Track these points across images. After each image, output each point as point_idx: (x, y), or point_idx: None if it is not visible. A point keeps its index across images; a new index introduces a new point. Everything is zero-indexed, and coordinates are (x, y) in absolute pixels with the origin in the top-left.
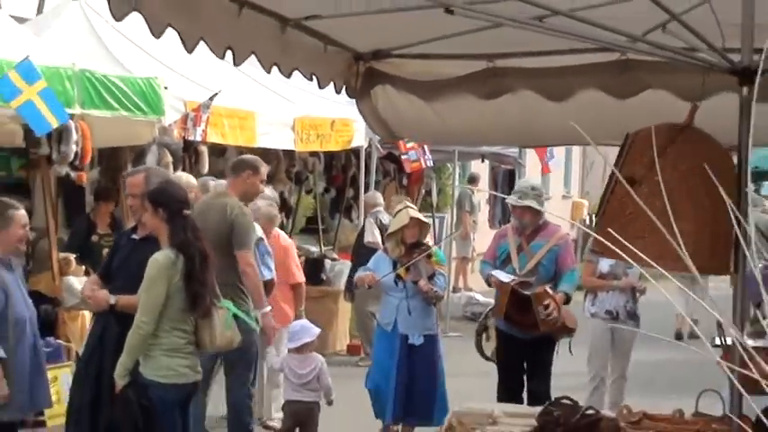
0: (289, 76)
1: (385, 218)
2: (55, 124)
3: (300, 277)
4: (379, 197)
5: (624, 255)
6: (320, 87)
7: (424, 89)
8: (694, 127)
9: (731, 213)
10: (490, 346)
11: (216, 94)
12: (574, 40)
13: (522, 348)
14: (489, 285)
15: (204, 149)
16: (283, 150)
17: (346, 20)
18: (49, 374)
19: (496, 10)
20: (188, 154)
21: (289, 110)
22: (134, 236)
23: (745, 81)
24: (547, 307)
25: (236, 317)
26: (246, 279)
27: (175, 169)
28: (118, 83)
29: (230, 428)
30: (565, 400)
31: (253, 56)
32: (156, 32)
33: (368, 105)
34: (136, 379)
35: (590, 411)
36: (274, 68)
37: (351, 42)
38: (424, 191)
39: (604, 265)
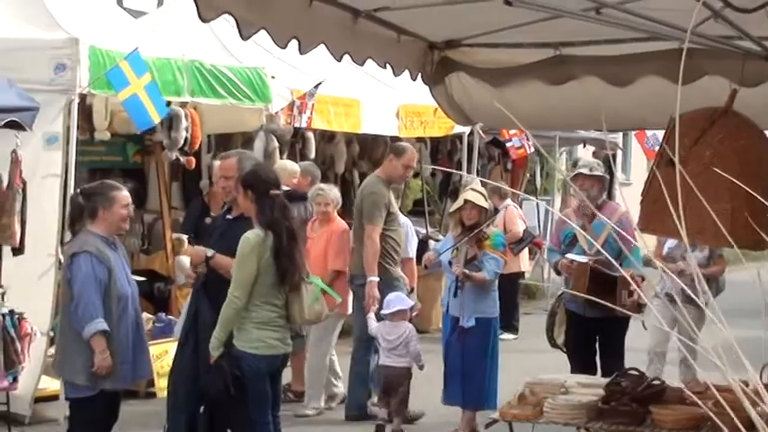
0: (362, 64)
1: None
2: (157, 120)
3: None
4: (476, 181)
5: (666, 230)
6: (395, 75)
7: (494, 76)
8: (734, 111)
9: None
10: (560, 333)
11: (321, 82)
12: (629, 30)
13: (596, 328)
14: (558, 273)
15: (311, 136)
16: (390, 137)
17: (417, 11)
18: (161, 348)
19: (554, 2)
20: (296, 140)
21: (392, 97)
22: (228, 216)
23: None
24: (631, 294)
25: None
26: (364, 248)
27: (281, 154)
28: (226, 72)
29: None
30: (632, 371)
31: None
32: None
33: (442, 92)
34: (229, 351)
35: (656, 382)
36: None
37: (424, 32)
38: (528, 175)
39: (664, 247)
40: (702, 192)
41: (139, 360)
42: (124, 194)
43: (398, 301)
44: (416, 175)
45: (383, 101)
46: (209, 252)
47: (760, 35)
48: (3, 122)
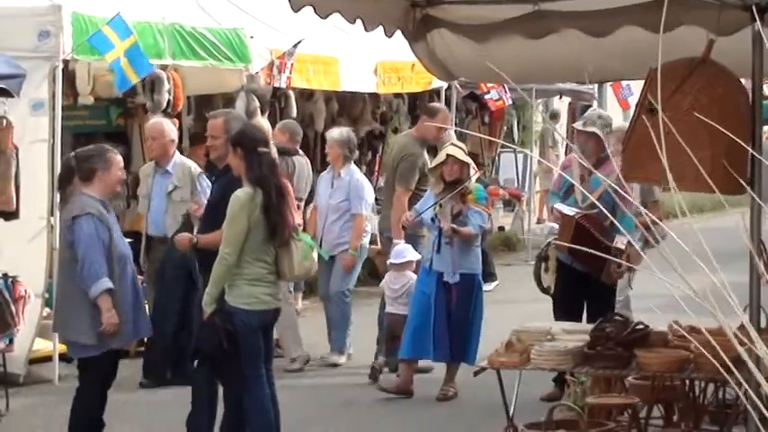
0: (353, 22)
1: None
2: (135, 80)
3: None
4: (452, 135)
5: (648, 176)
6: (366, 31)
7: (476, 32)
8: (712, 60)
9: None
10: (549, 278)
11: (299, 42)
12: None
13: (583, 281)
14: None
15: (291, 94)
16: (369, 93)
17: None
18: None
19: None
20: (276, 99)
21: (370, 55)
22: (213, 177)
23: (760, 15)
24: (620, 266)
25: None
26: (393, 209)
27: (263, 113)
28: (206, 34)
29: None
30: (617, 317)
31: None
32: None
33: (424, 48)
34: (222, 307)
35: (639, 326)
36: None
37: None
38: (506, 128)
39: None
40: (682, 139)
41: (139, 319)
42: (119, 158)
43: (407, 252)
44: (395, 130)
45: (361, 58)
46: (194, 238)
47: None
48: None
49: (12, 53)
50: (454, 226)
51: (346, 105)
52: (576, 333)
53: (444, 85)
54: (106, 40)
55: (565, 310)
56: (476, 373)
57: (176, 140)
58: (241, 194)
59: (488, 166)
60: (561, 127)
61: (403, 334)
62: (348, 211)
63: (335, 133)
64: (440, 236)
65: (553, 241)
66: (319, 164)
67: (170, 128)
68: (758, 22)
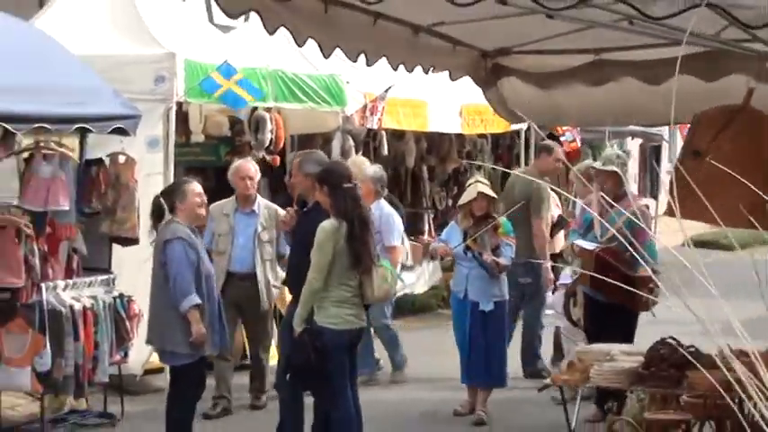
0: (411, 70)
1: None
2: (252, 102)
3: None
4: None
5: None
6: (452, 80)
7: (541, 79)
8: (751, 107)
9: None
10: (577, 312)
11: (390, 87)
12: (658, 38)
13: (608, 312)
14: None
15: (383, 134)
16: (455, 134)
17: (470, 24)
18: None
19: (589, 15)
20: (370, 139)
21: (455, 98)
22: (304, 209)
23: None
24: (651, 290)
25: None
26: (535, 239)
27: (356, 152)
28: (306, 79)
29: None
30: (670, 340)
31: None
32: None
33: (495, 94)
34: (311, 326)
35: (691, 349)
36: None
37: (477, 43)
38: None
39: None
40: (722, 181)
41: (222, 330)
42: (194, 186)
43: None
44: (479, 168)
45: (447, 102)
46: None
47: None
48: (110, 129)
49: (131, 95)
50: (496, 259)
51: (434, 145)
52: (632, 354)
53: (524, 126)
54: (214, 84)
55: (594, 337)
56: (540, 389)
57: None
58: (327, 226)
59: (567, 201)
60: (634, 165)
61: (462, 361)
62: (380, 242)
63: (370, 170)
64: (476, 268)
65: (576, 271)
66: (410, 198)
67: (256, 168)
68: None
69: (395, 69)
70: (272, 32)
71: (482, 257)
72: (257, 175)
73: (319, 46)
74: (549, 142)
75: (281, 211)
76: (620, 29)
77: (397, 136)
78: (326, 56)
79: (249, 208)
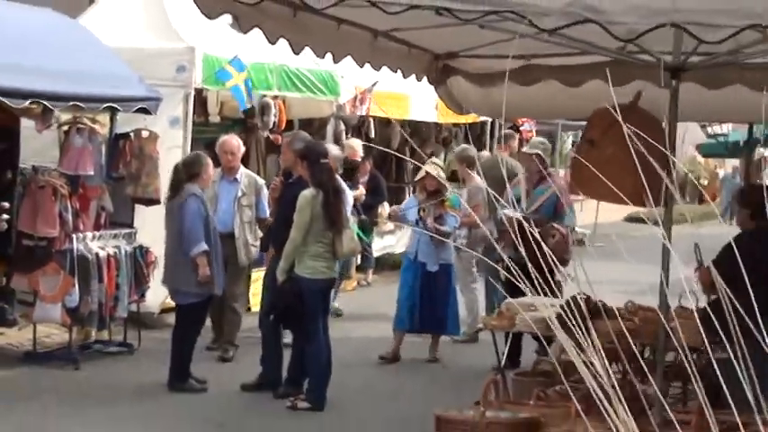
0: (378, 69)
1: None
2: (248, 104)
3: None
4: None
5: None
6: (404, 77)
7: (482, 79)
8: (638, 106)
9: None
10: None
11: (376, 82)
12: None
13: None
14: (503, 223)
15: (371, 121)
16: (434, 123)
17: (423, 30)
18: (256, 275)
19: (519, 27)
20: (361, 124)
21: (433, 93)
22: (289, 180)
23: (675, 75)
24: (554, 236)
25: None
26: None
27: (347, 135)
28: (306, 73)
29: None
30: (582, 295)
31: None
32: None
33: (445, 90)
34: (292, 276)
35: (600, 303)
36: (367, 65)
37: (429, 46)
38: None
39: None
40: (617, 166)
41: (221, 275)
42: (209, 160)
43: None
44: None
45: (425, 95)
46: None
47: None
48: (134, 108)
49: (155, 81)
50: (436, 225)
51: (416, 131)
52: (553, 306)
53: (490, 118)
54: (227, 74)
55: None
56: (476, 332)
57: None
58: (307, 193)
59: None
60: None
61: (397, 311)
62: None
63: (334, 151)
64: (425, 234)
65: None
66: (394, 175)
67: (239, 143)
68: (675, 81)
69: (360, 67)
70: (246, 32)
71: (426, 223)
72: (240, 150)
73: (290, 45)
74: (509, 132)
75: (261, 180)
76: (539, 39)
77: (384, 123)
78: (296, 53)
79: (232, 176)
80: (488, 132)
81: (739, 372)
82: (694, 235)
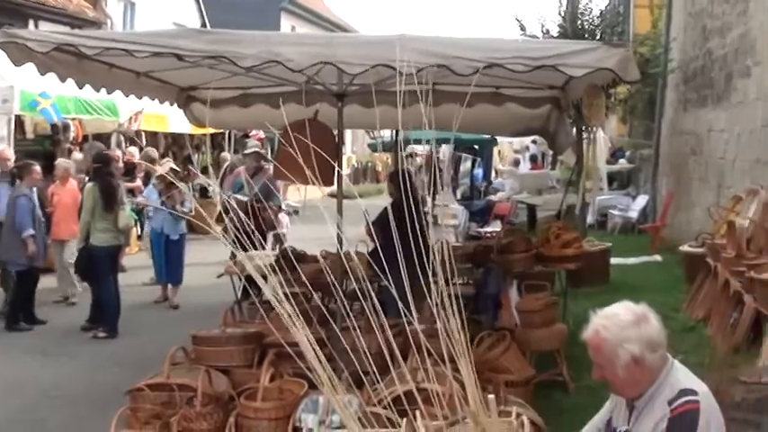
0: (140, 98)
1: None
2: (56, 121)
3: None
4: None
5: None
6: (160, 103)
7: (214, 103)
8: (317, 119)
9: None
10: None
11: (142, 108)
12: (277, 81)
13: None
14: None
15: (143, 134)
16: (188, 133)
17: (171, 71)
18: None
19: (233, 68)
20: (138, 137)
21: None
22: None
23: (340, 99)
24: (266, 210)
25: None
26: None
27: (126, 144)
28: (95, 101)
29: None
30: (291, 247)
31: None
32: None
33: (189, 113)
34: (87, 244)
35: (302, 252)
36: (132, 95)
37: (177, 82)
38: None
39: None
40: (302, 157)
41: (44, 249)
42: (36, 166)
43: None
44: (203, 153)
45: (181, 114)
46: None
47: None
48: None
49: None
50: (182, 208)
51: (175, 139)
52: (270, 257)
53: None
54: (38, 102)
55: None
56: (218, 276)
57: None
58: (90, 186)
59: None
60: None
61: (154, 266)
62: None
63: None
64: (167, 213)
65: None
66: None
67: (11, 152)
68: (340, 103)
69: (126, 97)
70: (43, 74)
71: (174, 207)
72: (12, 157)
73: (76, 83)
74: (251, 141)
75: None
76: (249, 76)
77: (152, 135)
78: (80, 88)
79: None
80: (227, 139)
81: (393, 291)
82: (369, 205)
